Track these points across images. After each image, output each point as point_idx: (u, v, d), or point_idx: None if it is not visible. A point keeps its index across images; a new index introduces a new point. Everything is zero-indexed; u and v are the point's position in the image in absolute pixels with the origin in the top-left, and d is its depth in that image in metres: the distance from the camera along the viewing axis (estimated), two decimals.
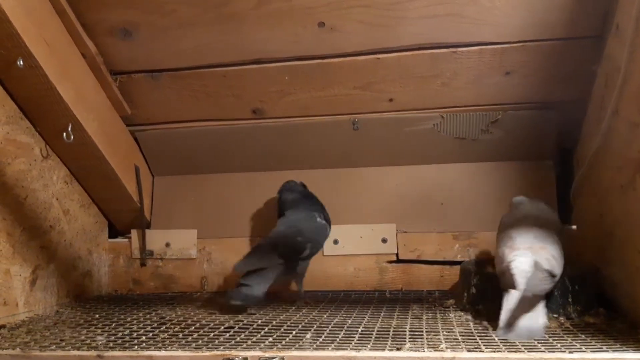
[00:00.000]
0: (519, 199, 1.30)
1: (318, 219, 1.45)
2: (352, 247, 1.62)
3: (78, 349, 1.00)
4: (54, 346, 1.02)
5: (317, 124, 1.57)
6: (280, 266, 1.32)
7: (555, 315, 1.15)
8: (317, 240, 1.45)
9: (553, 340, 0.97)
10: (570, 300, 1.17)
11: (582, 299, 1.18)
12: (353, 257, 1.62)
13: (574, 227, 1.51)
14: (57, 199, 1.45)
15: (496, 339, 0.99)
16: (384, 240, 1.60)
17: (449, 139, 1.55)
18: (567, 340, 0.98)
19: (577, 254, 1.43)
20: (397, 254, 1.60)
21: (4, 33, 1.16)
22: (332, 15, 1.32)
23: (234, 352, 0.93)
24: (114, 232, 1.73)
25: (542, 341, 0.96)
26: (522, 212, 1.25)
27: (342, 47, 1.39)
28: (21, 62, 1.21)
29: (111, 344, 1.02)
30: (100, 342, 1.04)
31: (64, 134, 1.35)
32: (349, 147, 1.61)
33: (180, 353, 0.95)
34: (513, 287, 1.01)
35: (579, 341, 0.96)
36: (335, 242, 1.62)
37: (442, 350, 0.92)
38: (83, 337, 1.08)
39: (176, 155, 1.69)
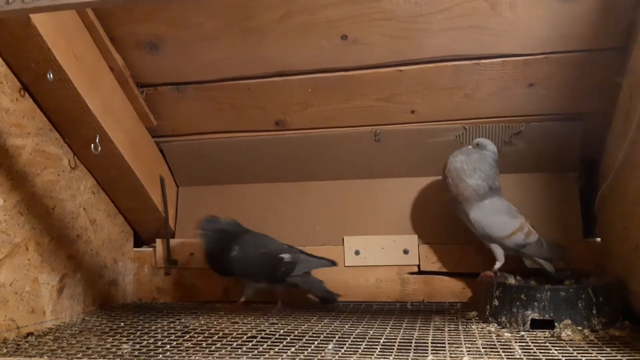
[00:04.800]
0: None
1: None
2: (374, 258, 1.62)
3: (104, 357, 1.01)
4: (81, 354, 1.04)
5: (339, 136, 1.58)
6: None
7: (579, 328, 1.14)
8: None
9: (577, 353, 0.97)
10: (594, 312, 1.16)
11: (607, 311, 1.17)
12: (374, 268, 1.62)
13: (598, 239, 1.49)
14: (84, 209, 1.48)
15: (519, 352, 0.99)
16: (406, 252, 1.60)
17: None
18: (592, 353, 0.97)
19: (601, 266, 1.42)
20: (418, 266, 1.60)
21: (35, 47, 1.19)
22: (355, 28, 1.33)
23: None
24: (139, 242, 1.75)
25: (567, 355, 0.96)
26: None
27: (365, 60, 1.40)
28: (51, 76, 1.24)
29: (136, 352, 1.04)
30: (126, 351, 1.06)
31: (92, 145, 1.38)
32: (371, 159, 1.62)
33: None
34: None
35: (604, 355, 0.95)
36: (357, 252, 1.63)
37: None
38: (109, 346, 1.10)
39: (200, 166, 1.71)
